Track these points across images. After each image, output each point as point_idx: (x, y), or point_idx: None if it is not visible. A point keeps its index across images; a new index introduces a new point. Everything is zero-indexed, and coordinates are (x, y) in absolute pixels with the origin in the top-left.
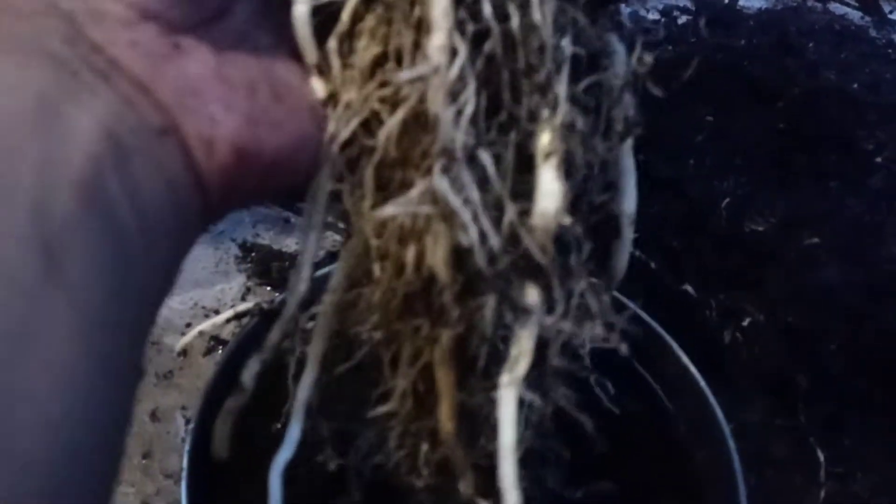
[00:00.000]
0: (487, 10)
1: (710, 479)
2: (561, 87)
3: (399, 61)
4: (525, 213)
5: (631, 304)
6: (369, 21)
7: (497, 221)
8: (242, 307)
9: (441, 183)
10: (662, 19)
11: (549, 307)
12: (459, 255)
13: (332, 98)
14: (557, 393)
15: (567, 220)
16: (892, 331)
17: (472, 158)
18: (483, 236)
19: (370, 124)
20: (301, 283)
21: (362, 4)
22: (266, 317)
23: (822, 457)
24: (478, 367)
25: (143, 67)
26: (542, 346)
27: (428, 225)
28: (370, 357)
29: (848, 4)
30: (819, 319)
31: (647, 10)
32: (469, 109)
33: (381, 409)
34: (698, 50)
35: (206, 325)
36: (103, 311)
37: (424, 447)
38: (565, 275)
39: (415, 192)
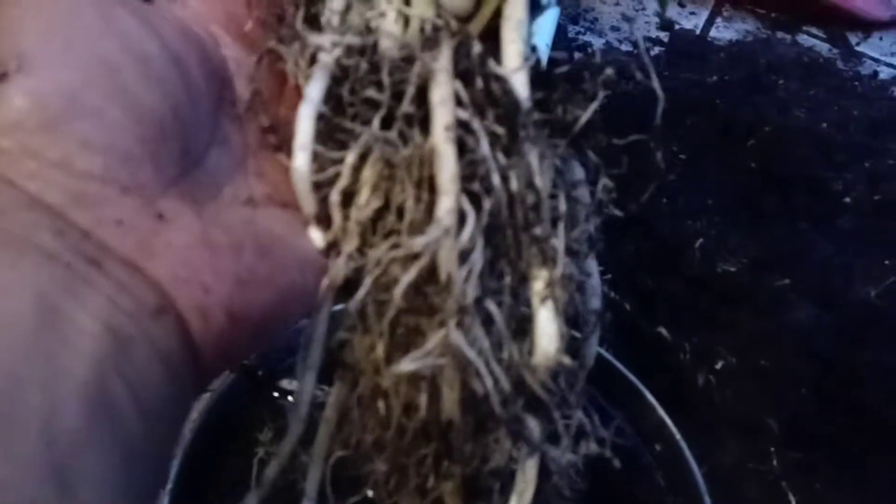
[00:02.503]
0: (496, 179)
1: None
2: (559, 242)
3: (400, 215)
4: (523, 353)
5: (605, 354)
6: (368, 174)
7: (499, 362)
8: None
9: (457, 337)
10: (635, 51)
11: (551, 437)
12: (472, 398)
13: (333, 247)
14: None
15: (567, 360)
16: (860, 374)
17: (478, 307)
18: (496, 382)
19: (379, 279)
20: (299, 423)
21: (360, 160)
22: (245, 373)
23: (793, 501)
24: (484, 499)
25: (132, 246)
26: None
27: (441, 373)
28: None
29: (816, 36)
30: (790, 362)
31: (620, 42)
32: (478, 267)
33: None
34: (671, 85)
35: None
36: None
37: None
38: (564, 405)
39: (430, 345)
